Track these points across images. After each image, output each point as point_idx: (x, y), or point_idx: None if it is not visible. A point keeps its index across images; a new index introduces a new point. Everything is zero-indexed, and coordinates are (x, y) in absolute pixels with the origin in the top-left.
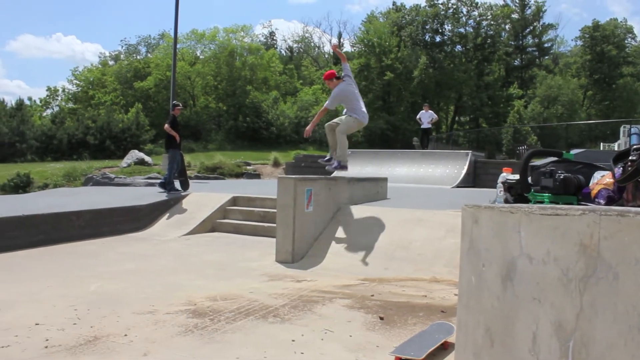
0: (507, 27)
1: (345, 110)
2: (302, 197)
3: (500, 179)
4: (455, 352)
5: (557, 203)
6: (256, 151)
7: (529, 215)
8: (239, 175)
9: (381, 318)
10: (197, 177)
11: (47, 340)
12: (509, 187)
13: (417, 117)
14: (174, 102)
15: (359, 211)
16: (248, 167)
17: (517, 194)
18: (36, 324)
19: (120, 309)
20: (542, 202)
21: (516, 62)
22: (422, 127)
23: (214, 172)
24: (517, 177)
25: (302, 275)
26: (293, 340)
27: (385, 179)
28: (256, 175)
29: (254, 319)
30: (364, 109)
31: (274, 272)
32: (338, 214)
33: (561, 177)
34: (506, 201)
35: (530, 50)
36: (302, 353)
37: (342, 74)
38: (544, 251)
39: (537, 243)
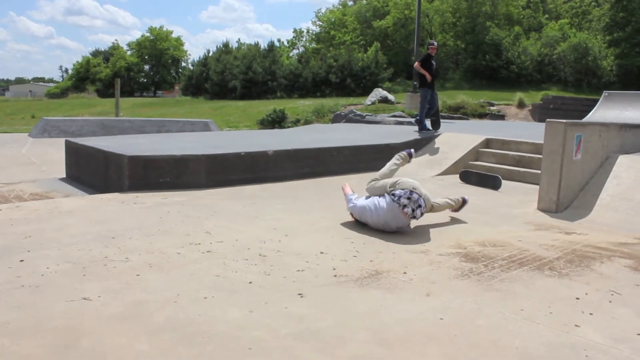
0: None
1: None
2: (571, 143)
3: None
4: None
5: None
6: (495, 91)
7: None
8: (482, 116)
9: None
10: (440, 117)
11: (334, 269)
12: None
13: None
14: (430, 40)
15: (632, 162)
16: (492, 108)
17: None
18: (321, 252)
19: (393, 246)
20: None
21: None
22: None
23: (457, 112)
24: None
25: (570, 227)
26: (577, 299)
27: None
28: (500, 117)
29: (529, 269)
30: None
31: (538, 220)
32: (607, 163)
33: None
34: None
35: None
36: (590, 314)
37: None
38: None
39: None
